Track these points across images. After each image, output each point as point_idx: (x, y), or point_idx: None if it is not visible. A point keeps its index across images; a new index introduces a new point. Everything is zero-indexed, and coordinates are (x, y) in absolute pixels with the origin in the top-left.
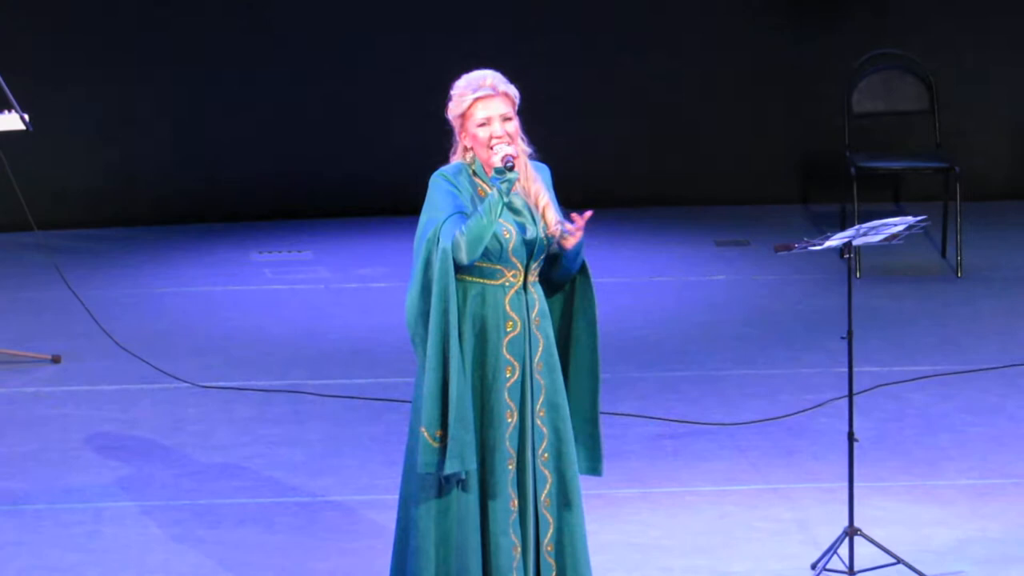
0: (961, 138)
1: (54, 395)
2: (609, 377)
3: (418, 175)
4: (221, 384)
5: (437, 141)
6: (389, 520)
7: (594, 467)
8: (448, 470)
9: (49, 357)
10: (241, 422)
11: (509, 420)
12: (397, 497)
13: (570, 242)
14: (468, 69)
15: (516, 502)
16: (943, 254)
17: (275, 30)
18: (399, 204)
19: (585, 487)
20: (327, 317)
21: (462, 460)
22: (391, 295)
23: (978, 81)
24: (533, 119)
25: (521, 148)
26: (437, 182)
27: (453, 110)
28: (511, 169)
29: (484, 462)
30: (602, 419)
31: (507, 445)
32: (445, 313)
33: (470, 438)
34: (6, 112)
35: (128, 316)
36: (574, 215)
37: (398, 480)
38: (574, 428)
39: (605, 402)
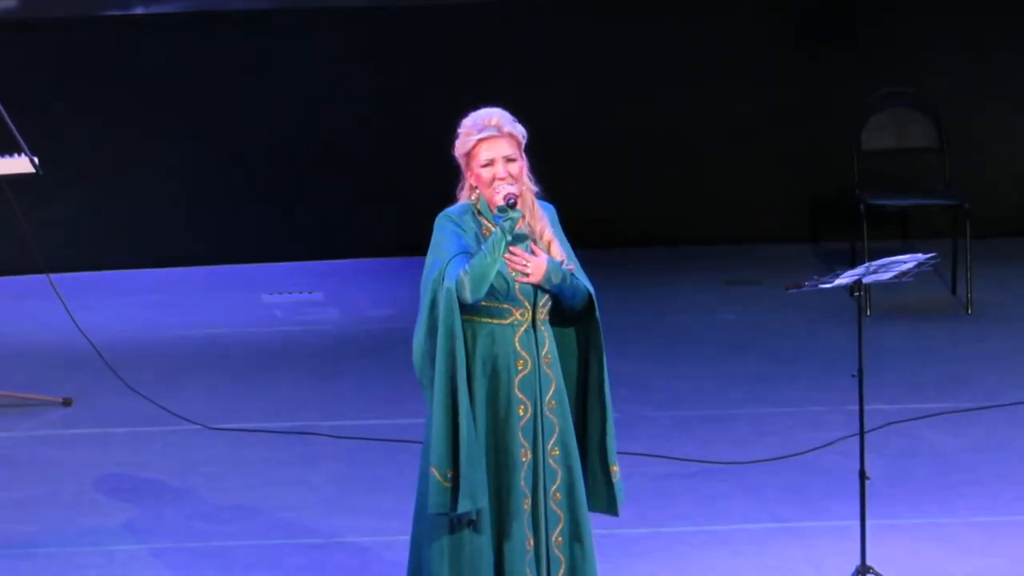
0: (970, 175)
1: (65, 438)
2: (621, 416)
3: (429, 216)
4: (232, 426)
5: (447, 181)
6: (401, 561)
7: (611, 507)
8: (460, 509)
9: (60, 400)
10: (252, 464)
11: (524, 459)
12: (409, 539)
13: (525, 280)
14: (476, 107)
15: (532, 541)
16: (953, 291)
17: (283, 70)
18: (409, 245)
19: (597, 526)
20: (337, 358)
21: (474, 499)
22: (402, 336)
23: (988, 118)
24: (542, 158)
25: (527, 187)
26: (442, 223)
27: (459, 148)
28: (513, 207)
29: (499, 502)
30: (619, 458)
31: (523, 485)
32: (452, 352)
33: (481, 477)
34: (15, 155)
35: (138, 358)
36: (515, 249)
37: (410, 521)
38: (589, 467)
39: (617, 442)
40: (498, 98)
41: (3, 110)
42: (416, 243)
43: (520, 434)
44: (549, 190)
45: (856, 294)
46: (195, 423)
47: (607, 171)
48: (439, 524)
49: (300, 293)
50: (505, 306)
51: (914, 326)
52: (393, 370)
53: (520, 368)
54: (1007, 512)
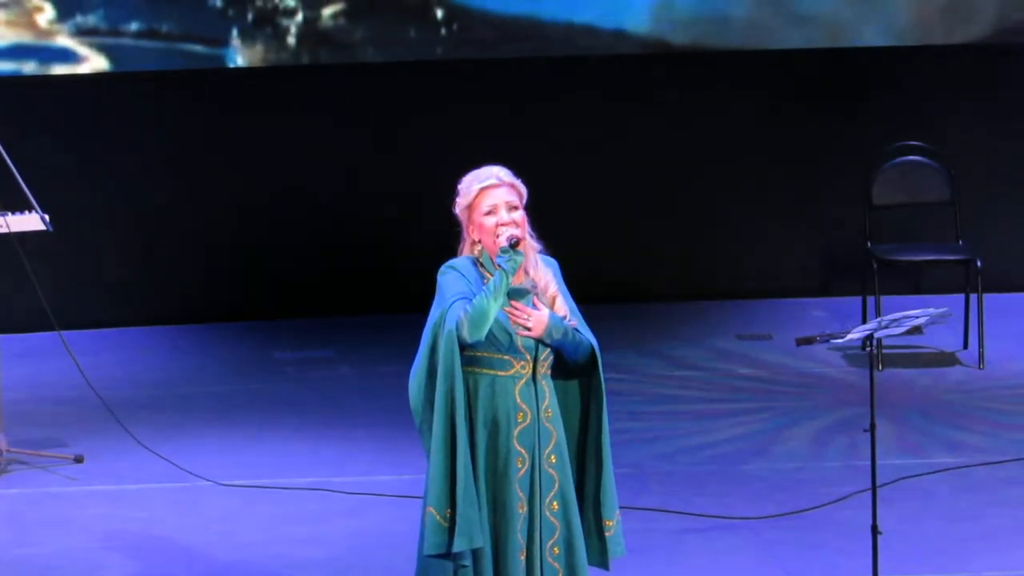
0: (983, 229)
1: (76, 495)
2: (632, 471)
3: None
4: (244, 482)
5: (449, 237)
6: None
7: (602, 560)
8: (456, 548)
9: (72, 457)
10: (264, 520)
11: (520, 511)
12: None
13: (526, 333)
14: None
15: None
16: (965, 346)
17: (293, 125)
18: (421, 301)
19: None
20: (350, 414)
21: (471, 538)
22: None
23: (1000, 172)
24: (549, 213)
25: (530, 244)
26: (445, 272)
27: (460, 203)
28: (515, 247)
29: (495, 553)
30: (631, 513)
31: (519, 536)
32: (451, 392)
33: (477, 516)
34: (26, 212)
35: (149, 414)
36: (517, 304)
37: None
38: (584, 520)
39: (629, 496)
40: (500, 152)
41: (13, 167)
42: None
43: (517, 486)
44: (555, 246)
45: (868, 348)
46: (207, 479)
47: (617, 226)
48: (442, 570)
49: (312, 350)
50: (506, 358)
51: (926, 381)
52: (407, 425)
53: (520, 420)
54: (1018, 567)
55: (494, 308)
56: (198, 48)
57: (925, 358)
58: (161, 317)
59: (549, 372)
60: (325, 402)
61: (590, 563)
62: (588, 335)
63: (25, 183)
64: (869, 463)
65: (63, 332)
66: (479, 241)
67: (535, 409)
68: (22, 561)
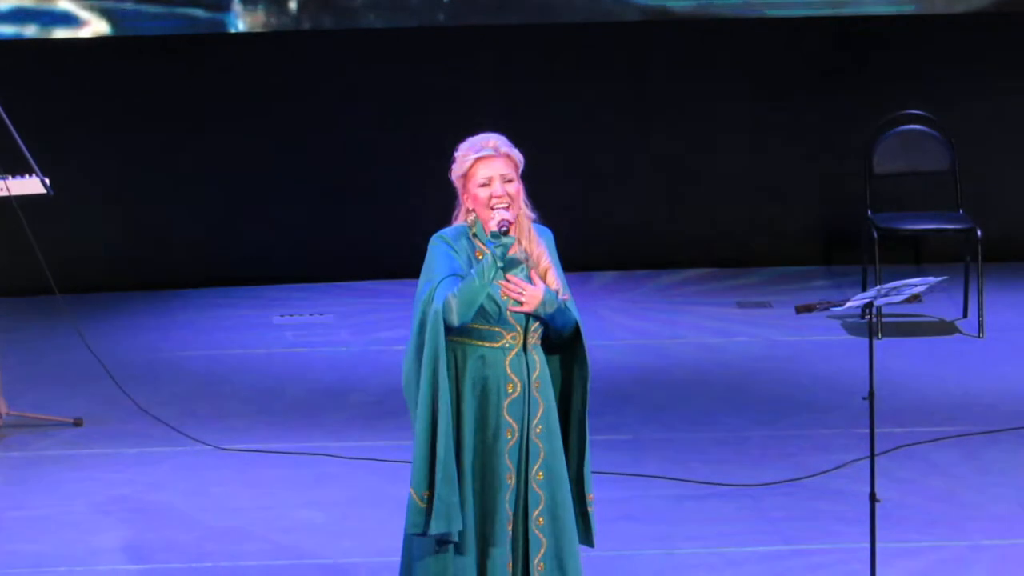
0: (983, 198)
1: (76, 458)
2: (632, 438)
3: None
4: (242, 447)
5: (447, 204)
6: None
7: (586, 537)
8: (432, 531)
9: (71, 420)
10: (262, 485)
11: (509, 482)
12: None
13: (518, 308)
14: (475, 132)
15: (511, 564)
16: (964, 314)
17: (295, 92)
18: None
19: (606, 548)
20: (348, 380)
21: (448, 521)
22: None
23: (1000, 141)
24: (551, 181)
25: (524, 212)
26: (436, 244)
27: (456, 171)
28: (506, 233)
29: (483, 524)
30: (631, 480)
31: (507, 507)
32: (435, 373)
33: (456, 499)
34: (27, 176)
35: (149, 379)
36: (512, 277)
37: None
38: (576, 496)
39: (628, 463)
40: (502, 118)
41: (14, 131)
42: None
43: (507, 457)
44: (554, 213)
45: (867, 317)
46: (206, 444)
47: (619, 193)
48: (426, 545)
49: (311, 315)
50: (496, 329)
51: (925, 349)
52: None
53: (510, 391)
54: (1017, 535)
55: (482, 293)
56: (199, 12)
57: (925, 327)
58: (161, 281)
59: (539, 342)
60: (324, 367)
61: (583, 543)
62: (575, 311)
63: (26, 147)
64: (868, 431)
65: (63, 296)
66: (473, 210)
67: (525, 380)
68: (20, 523)
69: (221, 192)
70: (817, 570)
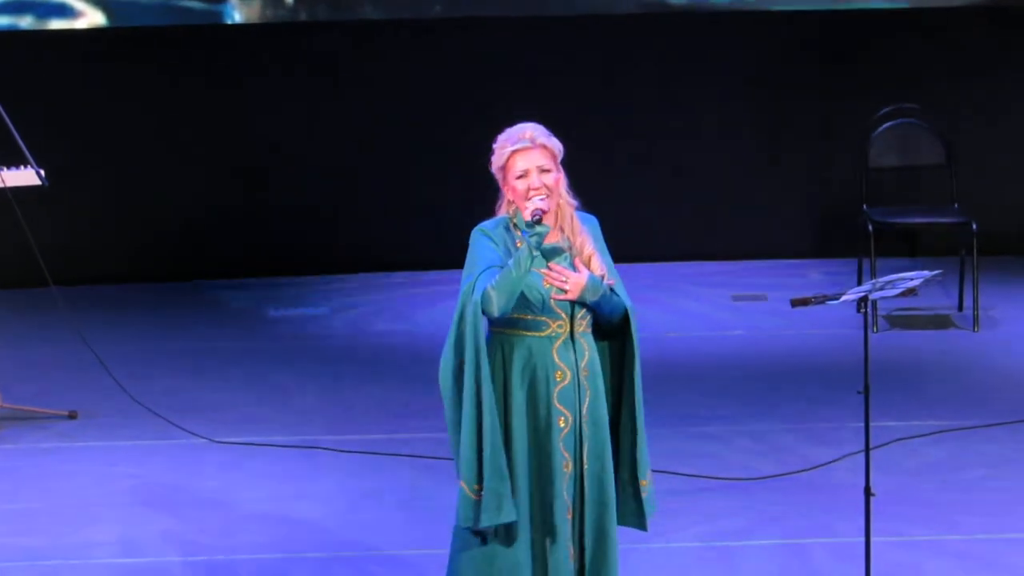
0: (978, 192)
1: (70, 451)
2: None
3: (438, 232)
4: (237, 439)
5: (456, 197)
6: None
7: (640, 521)
8: (484, 523)
9: (66, 413)
10: (257, 478)
11: (566, 471)
12: (446, 554)
13: (562, 296)
14: (492, 125)
15: (574, 552)
16: (960, 308)
17: (296, 83)
18: (416, 261)
19: None
20: (342, 373)
21: (499, 512)
22: (407, 350)
23: (995, 135)
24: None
25: (566, 201)
26: (476, 237)
27: (495, 163)
28: (539, 222)
29: (542, 514)
30: (652, 475)
31: (565, 496)
32: (477, 366)
33: (506, 490)
34: (22, 167)
35: (144, 371)
36: (554, 265)
37: (414, 535)
38: (620, 480)
39: None
40: (497, 110)
41: (9, 122)
42: (429, 258)
43: (561, 445)
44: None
45: (863, 310)
46: (200, 436)
47: (612, 186)
48: (470, 537)
49: (305, 308)
50: (542, 319)
51: (920, 343)
52: (398, 385)
53: (559, 380)
54: (1013, 530)
55: (519, 283)
56: (195, 4)
57: (920, 320)
58: (156, 274)
59: (589, 329)
60: (319, 360)
61: (627, 524)
62: (624, 296)
63: (21, 138)
64: (863, 425)
65: (58, 287)
66: (513, 201)
67: (574, 368)
68: (14, 516)
69: (217, 184)
70: (812, 564)
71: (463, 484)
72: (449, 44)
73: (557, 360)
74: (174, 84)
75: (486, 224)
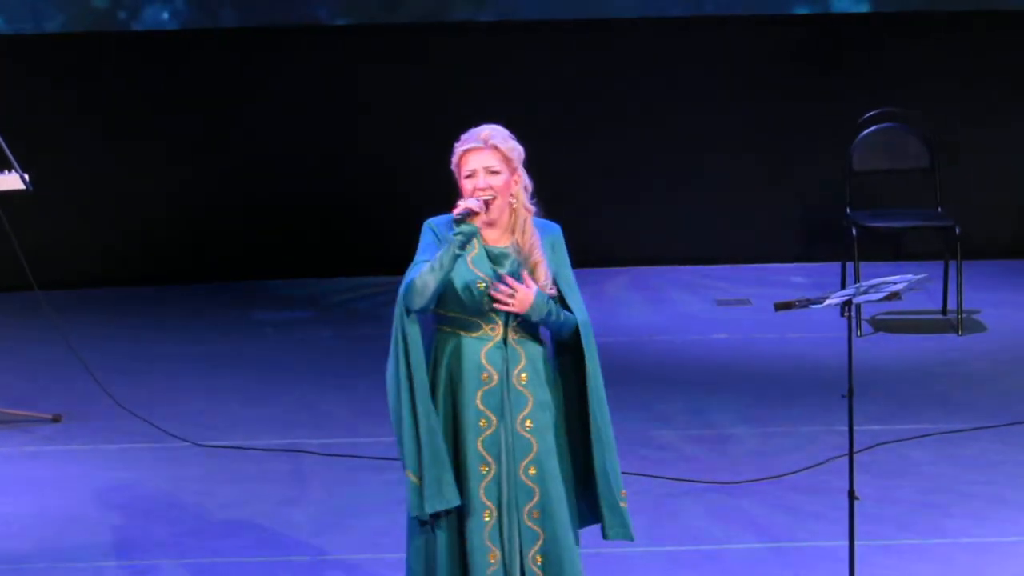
0: (962, 196)
1: (55, 454)
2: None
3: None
4: (222, 443)
5: (439, 199)
6: None
7: (625, 532)
8: (428, 509)
9: (50, 416)
10: (242, 481)
11: (484, 472)
12: (402, 554)
13: (505, 308)
14: (474, 124)
15: (497, 554)
16: (943, 312)
17: (277, 86)
18: (401, 263)
19: (588, 545)
20: (329, 376)
21: (441, 497)
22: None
23: (979, 139)
24: (538, 178)
25: (522, 205)
26: (424, 231)
27: (452, 161)
28: (463, 221)
29: (459, 509)
30: (622, 482)
31: (482, 497)
32: (406, 356)
33: (447, 475)
34: (6, 172)
35: (128, 375)
36: (507, 278)
37: (399, 538)
38: (601, 495)
39: None
40: (475, 115)
41: None
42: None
43: (480, 446)
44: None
45: (846, 314)
46: (185, 440)
47: (597, 191)
48: (414, 526)
49: (292, 311)
50: (474, 319)
51: (904, 347)
52: (384, 388)
53: (485, 381)
54: (996, 534)
55: (437, 279)
56: (182, 6)
57: (903, 324)
58: (140, 277)
59: (530, 337)
60: (304, 364)
61: (613, 537)
62: (578, 308)
63: (5, 142)
64: (847, 429)
65: (42, 291)
66: None
67: (503, 372)
68: None
69: (201, 187)
70: (796, 568)
71: (408, 473)
72: (448, 44)
73: (484, 362)
74: (161, 85)
75: (436, 219)
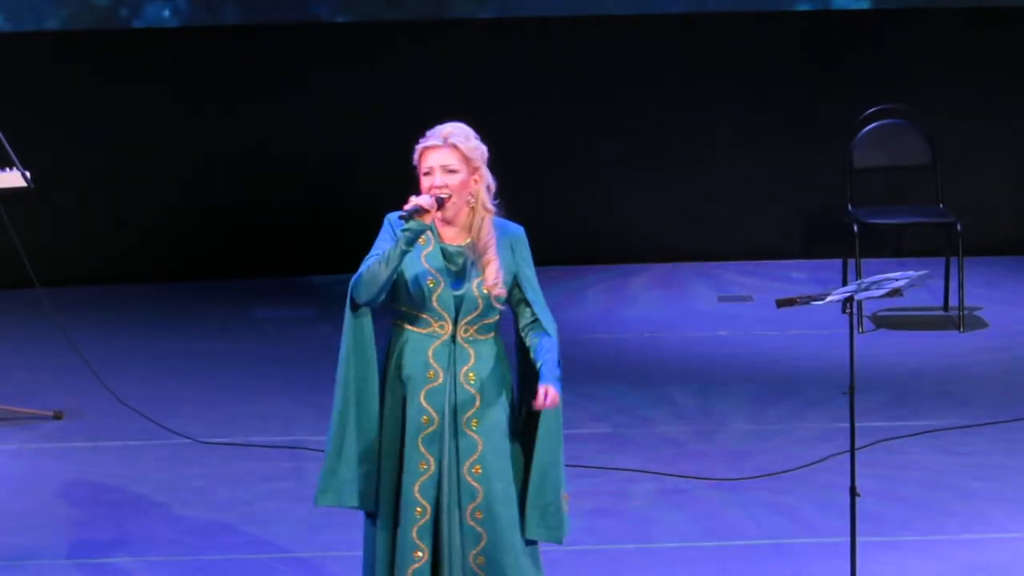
0: (963, 192)
1: (56, 451)
2: (612, 432)
3: None
4: (223, 440)
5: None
6: None
7: (557, 535)
8: (319, 503)
9: (51, 413)
10: (243, 478)
11: (422, 469)
12: None
13: (542, 406)
14: (487, 128)
15: (424, 552)
16: (945, 308)
17: (278, 84)
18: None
19: (588, 541)
20: (328, 373)
21: (338, 496)
22: None
23: (980, 136)
24: (528, 172)
25: (481, 205)
26: (383, 224)
27: (414, 158)
28: (410, 218)
29: (395, 505)
30: (612, 474)
31: (416, 494)
32: (348, 352)
33: (350, 476)
34: (7, 169)
35: (129, 372)
36: (536, 402)
37: None
38: (540, 495)
39: (609, 457)
40: (473, 113)
41: None
42: None
43: (420, 444)
44: (535, 207)
45: (848, 311)
46: (186, 437)
47: (599, 187)
48: (366, 519)
49: (292, 309)
50: (423, 315)
51: (906, 343)
52: None
53: (431, 379)
54: (997, 530)
55: (383, 275)
56: (182, 5)
57: (905, 321)
58: (141, 274)
59: (482, 337)
60: (305, 361)
61: (546, 539)
62: (541, 310)
63: (6, 139)
64: (848, 425)
65: (43, 288)
66: None
67: (449, 370)
68: (1, 516)
69: (202, 184)
70: (797, 564)
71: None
72: (448, 46)
73: (431, 359)
74: (162, 83)
75: (395, 213)
